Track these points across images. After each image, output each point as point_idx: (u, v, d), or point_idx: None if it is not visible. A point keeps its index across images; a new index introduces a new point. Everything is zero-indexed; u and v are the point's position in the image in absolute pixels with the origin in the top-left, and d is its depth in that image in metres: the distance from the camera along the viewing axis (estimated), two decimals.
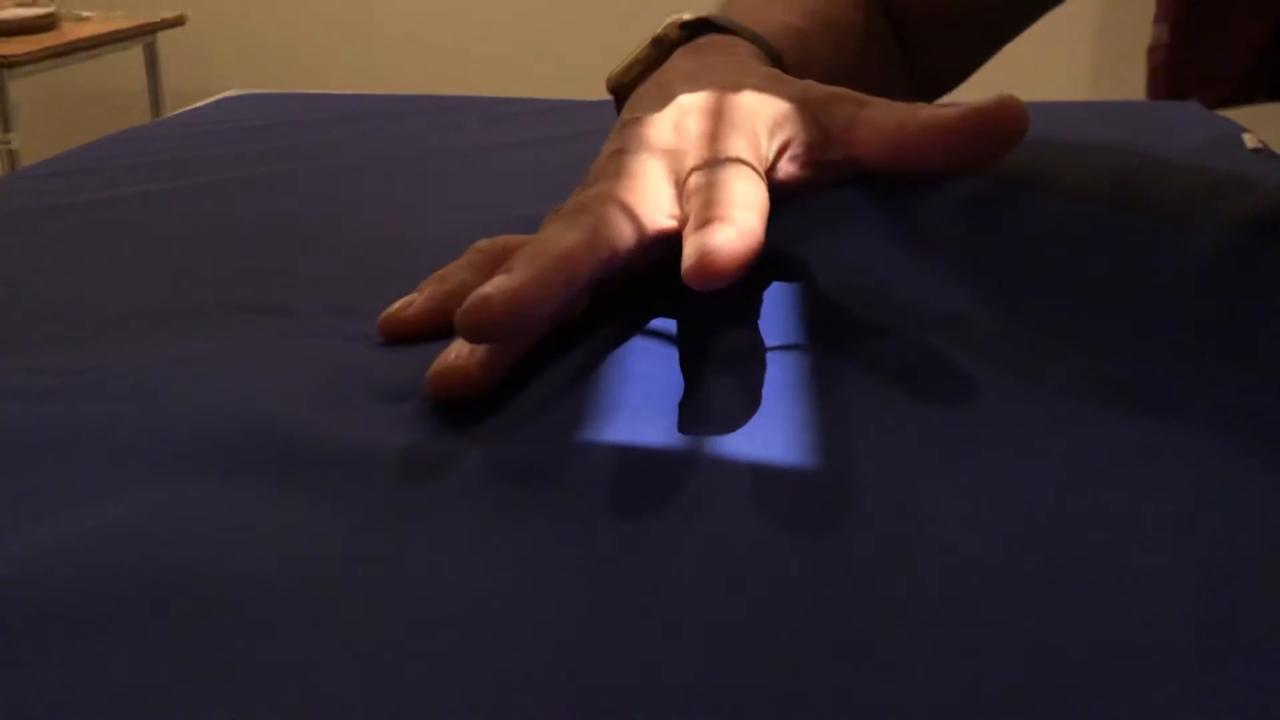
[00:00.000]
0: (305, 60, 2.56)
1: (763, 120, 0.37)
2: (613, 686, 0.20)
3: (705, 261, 0.28)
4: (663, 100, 0.38)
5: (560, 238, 0.31)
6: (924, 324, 0.35)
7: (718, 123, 0.36)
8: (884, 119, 0.37)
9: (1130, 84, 0.84)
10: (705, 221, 0.30)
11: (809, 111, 0.38)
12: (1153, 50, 0.74)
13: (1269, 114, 0.72)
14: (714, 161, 0.34)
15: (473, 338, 0.28)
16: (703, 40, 0.43)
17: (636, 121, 0.37)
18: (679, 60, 0.42)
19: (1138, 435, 0.29)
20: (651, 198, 0.34)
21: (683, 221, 0.33)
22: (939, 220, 0.46)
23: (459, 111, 0.70)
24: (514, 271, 0.29)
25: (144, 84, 2.32)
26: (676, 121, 0.37)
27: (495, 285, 0.28)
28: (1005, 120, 0.34)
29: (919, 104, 0.37)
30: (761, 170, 0.35)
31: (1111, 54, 2.32)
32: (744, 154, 0.35)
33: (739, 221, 0.30)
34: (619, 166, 0.35)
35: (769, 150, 0.37)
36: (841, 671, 0.21)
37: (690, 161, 0.35)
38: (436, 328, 0.34)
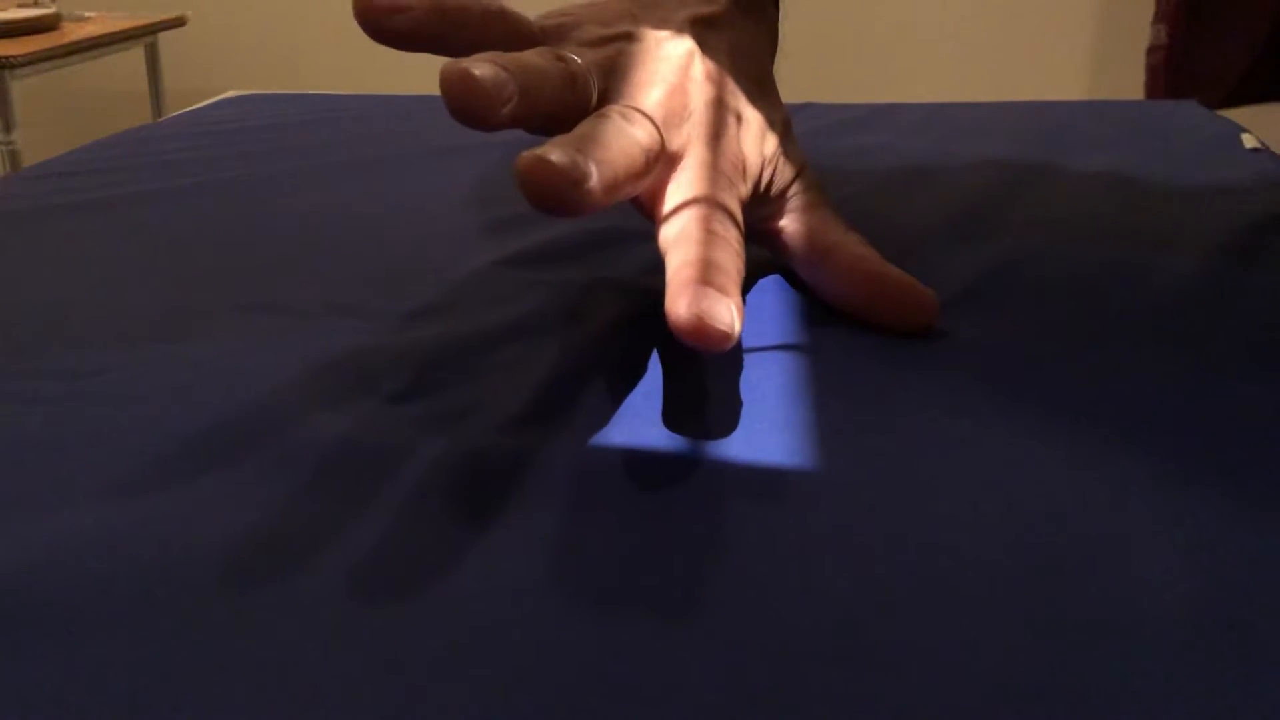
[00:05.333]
0: (305, 60, 2.56)
1: (756, 162, 0.36)
2: (613, 686, 0.20)
3: (709, 331, 0.27)
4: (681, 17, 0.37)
5: (634, 144, 0.31)
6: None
7: (721, 145, 0.35)
8: (845, 240, 0.37)
9: (1130, 84, 0.84)
10: (707, 282, 0.28)
11: (785, 170, 0.38)
12: (1152, 50, 0.74)
13: (1269, 114, 0.72)
14: (714, 204, 0.33)
15: (536, 195, 0.27)
16: None
17: (654, 38, 0.36)
18: None
19: (1137, 437, 0.29)
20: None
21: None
22: (937, 219, 0.46)
23: None
24: (599, 163, 0.29)
25: (145, 84, 2.32)
26: (686, 93, 0.35)
27: (579, 168, 0.28)
28: (920, 308, 0.35)
29: (865, 244, 0.37)
30: (741, 218, 0.34)
31: (1111, 54, 2.32)
32: (737, 207, 0.34)
33: (739, 305, 0.28)
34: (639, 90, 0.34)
35: (751, 191, 0.36)
36: (842, 671, 0.21)
37: (689, 174, 0.34)
38: (430, 38, 0.32)
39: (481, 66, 0.29)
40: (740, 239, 0.32)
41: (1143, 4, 0.88)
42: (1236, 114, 0.66)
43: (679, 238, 0.31)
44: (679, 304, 0.27)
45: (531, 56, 0.32)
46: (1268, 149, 0.57)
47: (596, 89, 0.34)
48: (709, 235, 0.31)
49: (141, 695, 0.20)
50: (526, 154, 0.27)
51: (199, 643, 0.21)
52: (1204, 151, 0.57)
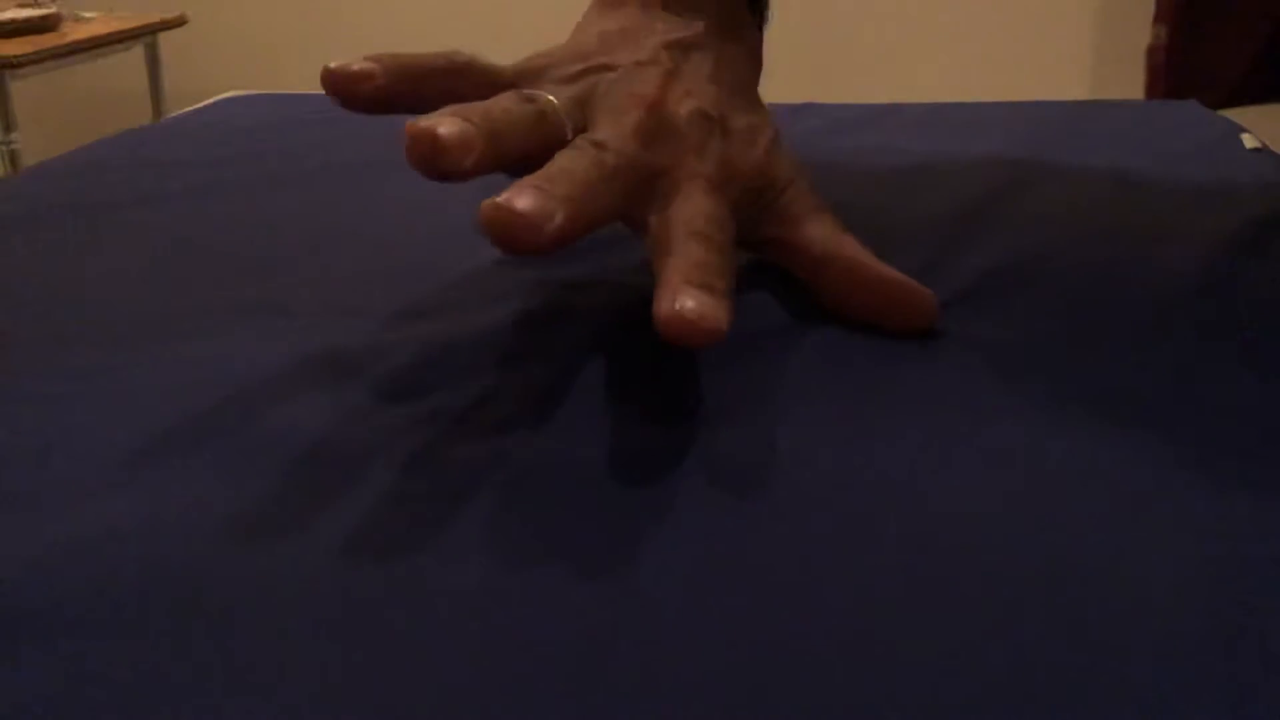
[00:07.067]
0: (305, 60, 2.56)
1: (745, 170, 0.36)
2: (610, 686, 0.20)
3: (694, 328, 0.27)
4: (658, 48, 0.37)
5: (604, 174, 0.31)
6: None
7: (706, 154, 0.35)
8: (842, 244, 0.37)
9: (1130, 84, 0.84)
10: (692, 280, 0.29)
11: (781, 182, 0.38)
12: (1152, 50, 0.74)
13: (1269, 114, 0.72)
14: (702, 209, 0.33)
15: (500, 241, 0.27)
16: None
17: (648, 63, 0.36)
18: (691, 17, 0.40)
19: (1137, 437, 0.29)
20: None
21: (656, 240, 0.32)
22: (937, 219, 0.46)
23: None
24: (564, 200, 0.29)
25: (145, 84, 2.32)
26: (666, 108, 0.35)
27: (542, 210, 0.28)
28: (920, 310, 0.35)
29: (862, 248, 0.37)
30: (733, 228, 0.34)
31: (1111, 54, 2.32)
32: (726, 211, 0.34)
33: (726, 302, 0.29)
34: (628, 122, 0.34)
35: (741, 197, 0.36)
36: (840, 671, 0.21)
37: (676, 185, 0.34)
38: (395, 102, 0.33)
39: (445, 123, 0.29)
40: (730, 241, 0.33)
41: (1143, 4, 0.88)
42: (1236, 114, 0.66)
43: (667, 242, 0.31)
44: (663, 302, 0.27)
45: (498, 103, 0.32)
46: (1268, 149, 0.57)
47: (572, 124, 0.34)
48: (697, 237, 0.31)
49: (139, 695, 0.20)
50: (488, 202, 0.27)
51: (197, 642, 0.21)
52: (1204, 151, 0.57)
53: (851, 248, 0.37)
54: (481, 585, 0.23)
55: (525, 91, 0.34)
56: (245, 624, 0.22)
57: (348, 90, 0.32)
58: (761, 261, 0.41)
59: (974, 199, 0.49)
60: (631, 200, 0.33)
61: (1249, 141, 0.58)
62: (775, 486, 0.27)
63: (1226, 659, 0.21)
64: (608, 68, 0.36)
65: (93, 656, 0.21)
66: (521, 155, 0.32)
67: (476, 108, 0.31)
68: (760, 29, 0.44)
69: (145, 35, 2.25)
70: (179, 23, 2.31)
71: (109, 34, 2.12)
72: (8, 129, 1.91)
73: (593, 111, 0.35)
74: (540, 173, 0.30)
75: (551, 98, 0.34)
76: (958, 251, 0.42)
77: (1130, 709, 0.20)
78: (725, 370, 0.33)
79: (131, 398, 0.31)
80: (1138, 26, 0.94)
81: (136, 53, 2.28)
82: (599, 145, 0.32)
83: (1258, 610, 0.22)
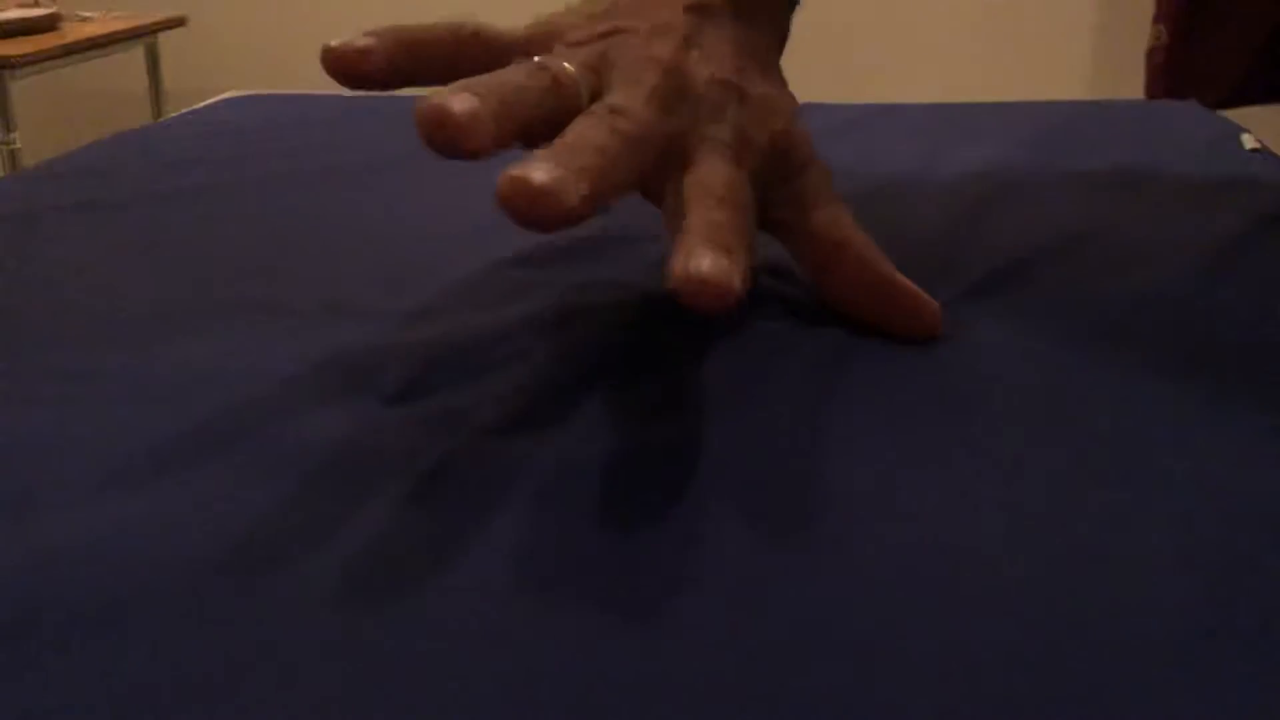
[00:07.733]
0: (305, 61, 2.56)
1: (762, 139, 0.35)
2: (611, 686, 0.20)
3: (707, 288, 0.26)
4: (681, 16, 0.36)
5: (621, 141, 0.30)
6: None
7: (724, 120, 0.34)
8: (853, 238, 0.36)
9: (1130, 84, 0.84)
10: (708, 239, 0.28)
11: (801, 157, 0.37)
12: (1152, 51, 0.74)
13: (1269, 114, 0.72)
14: (720, 172, 0.32)
15: (520, 216, 0.26)
16: None
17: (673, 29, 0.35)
18: None
19: (1132, 433, 0.29)
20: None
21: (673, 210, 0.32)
22: (937, 220, 0.46)
23: None
24: (582, 170, 0.28)
25: (145, 85, 2.32)
26: (683, 72, 0.34)
27: (562, 183, 0.27)
28: (923, 318, 0.35)
29: (873, 246, 0.36)
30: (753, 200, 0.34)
31: (1111, 54, 2.32)
32: (743, 177, 0.33)
33: (741, 265, 0.28)
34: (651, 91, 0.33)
35: (758, 165, 0.35)
36: (838, 672, 0.21)
37: (693, 149, 0.33)
38: (398, 75, 0.33)
39: (457, 100, 0.28)
40: (748, 205, 0.32)
41: (1143, 4, 0.88)
42: (1236, 114, 0.66)
43: (684, 207, 0.31)
44: (677, 263, 0.27)
45: (510, 73, 0.31)
46: (1268, 149, 0.57)
47: (588, 88, 0.33)
48: (713, 199, 0.31)
49: (140, 699, 0.20)
50: (505, 174, 0.26)
51: (198, 647, 0.21)
52: (1204, 151, 0.57)
53: (863, 246, 0.36)
54: (482, 585, 0.23)
55: (538, 60, 0.33)
56: (246, 627, 0.22)
57: (349, 68, 0.32)
58: (763, 263, 0.41)
59: (974, 200, 0.49)
60: (649, 168, 0.32)
61: (1249, 141, 0.58)
62: (776, 487, 0.27)
63: (1228, 657, 0.21)
64: (624, 31, 0.35)
65: (93, 660, 0.21)
66: (537, 125, 0.31)
67: (488, 81, 0.30)
68: (791, 6, 0.44)
69: (145, 35, 2.25)
70: (179, 23, 2.31)
71: (109, 34, 2.13)
72: (8, 129, 1.91)
73: (608, 75, 0.34)
74: (557, 143, 0.29)
75: (566, 63, 0.33)
76: (958, 252, 0.42)
77: (1130, 709, 0.20)
78: (726, 370, 0.33)
79: (132, 398, 0.31)
80: (1138, 26, 0.94)
81: (136, 53, 2.28)
82: (616, 111, 0.32)
83: (1260, 609, 0.22)
